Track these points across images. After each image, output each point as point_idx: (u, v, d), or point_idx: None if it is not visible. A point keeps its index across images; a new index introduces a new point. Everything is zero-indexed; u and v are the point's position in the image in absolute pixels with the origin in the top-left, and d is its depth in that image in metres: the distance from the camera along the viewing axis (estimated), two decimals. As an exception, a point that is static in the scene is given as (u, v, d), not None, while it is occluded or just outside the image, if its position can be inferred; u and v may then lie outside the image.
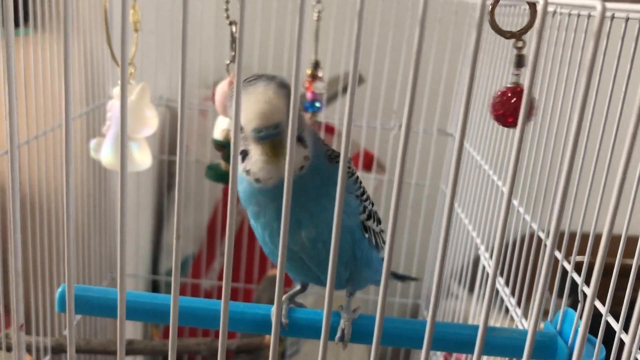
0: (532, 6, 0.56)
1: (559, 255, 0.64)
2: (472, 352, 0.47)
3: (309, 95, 1.05)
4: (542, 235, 0.74)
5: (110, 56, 0.91)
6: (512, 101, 0.58)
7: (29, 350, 0.94)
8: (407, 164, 1.25)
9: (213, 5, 1.45)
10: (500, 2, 0.57)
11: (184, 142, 0.43)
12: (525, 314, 0.79)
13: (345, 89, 0.58)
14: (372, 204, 0.65)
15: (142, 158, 0.93)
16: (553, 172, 0.67)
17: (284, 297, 0.62)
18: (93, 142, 0.96)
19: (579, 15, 0.67)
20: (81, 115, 1.11)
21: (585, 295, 0.57)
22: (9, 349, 0.87)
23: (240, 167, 0.58)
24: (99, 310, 0.62)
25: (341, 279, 0.64)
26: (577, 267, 0.62)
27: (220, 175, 0.97)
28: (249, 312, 0.60)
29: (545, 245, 0.64)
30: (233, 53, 0.87)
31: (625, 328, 0.51)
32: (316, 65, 1.04)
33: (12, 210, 0.46)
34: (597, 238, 0.48)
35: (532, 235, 0.77)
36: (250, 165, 0.56)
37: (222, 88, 0.88)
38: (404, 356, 1.53)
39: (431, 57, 1.30)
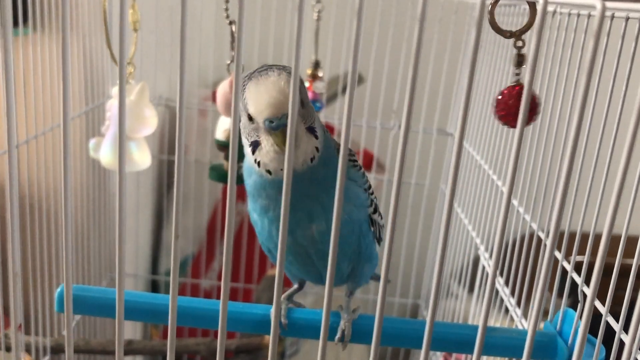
0: (532, 6, 0.56)
1: (558, 255, 0.64)
2: (471, 352, 0.47)
3: (309, 95, 1.05)
4: (542, 235, 0.73)
5: (110, 56, 0.91)
6: (513, 101, 0.58)
7: (28, 350, 0.94)
8: (407, 163, 1.24)
9: (213, 5, 1.45)
10: (500, 1, 0.56)
11: (183, 142, 0.42)
12: (525, 314, 0.79)
13: (345, 89, 0.58)
14: (375, 197, 0.65)
15: (142, 158, 0.92)
16: (553, 172, 0.67)
17: (282, 296, 0.62)
18: (92, 142, 0.96)
19: (578, 15, 0.67)
20: (80, 115, 1.11)
21: (585, 295, 0.57)
22: (8, 349, 0.87)
23: (251, 159, 0.57)
24: (98, 310, 0.62)
25: (343, 274, 0.63)
26: (577, 267, 0.62)
27: (223, 176, 0.97)
28: (248, 312, 0.60)
29: (545, 245, 0.64)
30: (233, 53, 0.87)
31: (625, 328, 0.50)
32: (316, 65, 1.04)
33: (11, 210, 0.46)
34: (597, 238, 0.48)
35: (531, 235, 0.77)
36: (261, 157, 0.56)
37: (223, 88, 0.88)
38: (403, 356, 1.53)
39: (431, 57, 1.30)
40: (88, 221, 1.19)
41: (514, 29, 0.58)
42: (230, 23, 0.86)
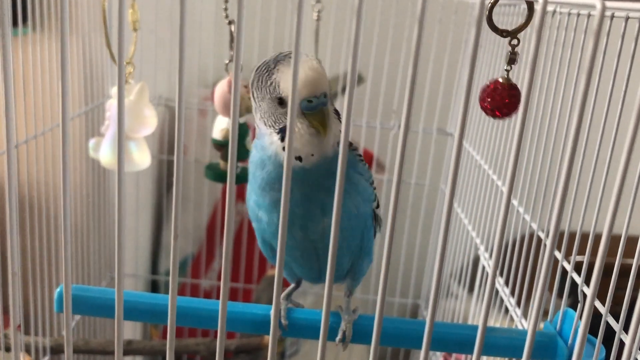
0: (530, 5, 0.56)
1: (558, 255, 0.64)
2: (471, 353, 0.47)
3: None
4: (542, 235, 0.73)
5: (109, 55, 0.91)
6: (497, 93, 0.58)
7: (28, 350, 0.94)
8: (407, 163, 1.24)
9: (212, 5, 1.45)
10: (500, 1, 0.56)
11: (182, 142, 0.42)
12: (525, 314, 0.79)
13: (345, 89, 0.58)
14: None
15: (141, 158, 0.92)
16: (553, 172, 0.67)
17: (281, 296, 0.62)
18: (92, 142, 0.96)
19: (578, 15, 0.67)
20: (80, 115, 1.11)
21: (585, 295, 0.57)
22: (7, 349, 0.86)
23: (274, 147, 0.55)
24: (97, 310, 0.62)
25: (343, 270, 0.63)
26: (577, 267, 0.62)
27: (219, 175, 0.97)
28: (248, 313, 0.60)
29: (545, 245, 0.64)
30: (232, 52, 0.87)
31: (625, 328, 0.50)
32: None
33: (10, 210, 0.46)
34: (597, 238, 0.48)
35: (531, 235, 0.77)
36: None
37: (221, 88, 0.88)
38: (403, 356, 1.53)
39: (431, 57, 1.29)
40: (87, 221, 1.19)
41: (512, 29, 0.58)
42: (230, 23, 0.86)
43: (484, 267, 0.97)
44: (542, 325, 0.63)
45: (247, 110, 0.88)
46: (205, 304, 0.60)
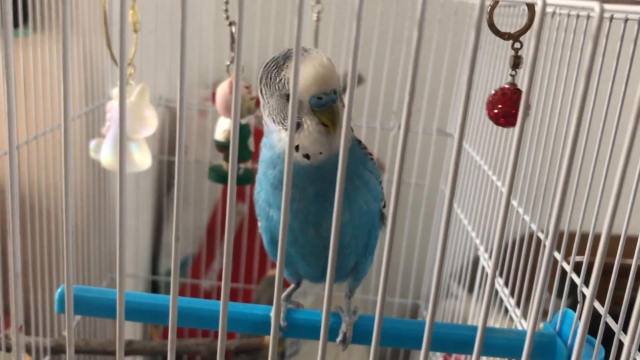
0: (531, 7, 0.56)
1: (558, 255, 0.64)
2: (471, 353, 0.47)
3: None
4: (541, 236, 0.74)
5: (110, 56, 0.91)
6: (505, 101, 0.59)
7: (28, 350, 0.94)
8: (407, 164, 1.24)
9: (213, 6, 1.45)
10: (499, 2, 0.57)
11: (183, 143, 0.43)
12: (524, 315, 0.79)
13: (345, 89, 0.58)
14: None
15: (142, 158, 0.93)
16: (552, 172, 0.68)
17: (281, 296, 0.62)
18: (93, 143, 0.96)
19: (578, 16, 0.67)
20: (80, 116, 1.11)
21: (584, 296, 0.57)
22: (8, 349, 0.87)
23: (282, 144, 0.55)
24: (98, 310, 0.62)
25: (346, 268, 0.62)
26: (577, 268, 0.62)
27: (222, 176, 0.97)
28: (248, 313, 0.60)
29: (545, 246, 0.64)
30: (233, 54, 0.87)
31: (625, 328, 0.51)
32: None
33: (12, 211, 0.46)
34: (597, 238, 0.48)
35: (531, 236, 0.77)
36: (301, 140, 0.53)
37: (222, 89, 0.88)
38: (403, 356, 1.53)
39: (431, 57, 1.30)
40: (88, 222, 1.19)
41: (513, 30, 0.58)
42: (230, 24, 0.86)
43: (483, 268, 0.97)
44: (541, 325, 0.63)
45: (249, 111, 0.88)
46: (205, 305, 0.60)
